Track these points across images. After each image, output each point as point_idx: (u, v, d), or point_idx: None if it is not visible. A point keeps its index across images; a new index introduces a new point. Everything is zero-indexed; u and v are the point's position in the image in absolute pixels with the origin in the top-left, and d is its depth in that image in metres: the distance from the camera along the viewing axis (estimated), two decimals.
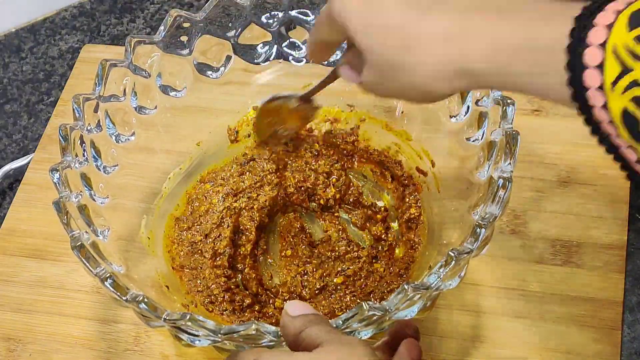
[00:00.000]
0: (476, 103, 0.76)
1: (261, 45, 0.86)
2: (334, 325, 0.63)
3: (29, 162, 0.93)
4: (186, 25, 0.82)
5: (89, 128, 0.76)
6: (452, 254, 0.65)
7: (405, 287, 0.64)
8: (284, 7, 0.84)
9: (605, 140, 0.53)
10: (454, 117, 0.79)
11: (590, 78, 0.51)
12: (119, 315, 0.82)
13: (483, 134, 0.75)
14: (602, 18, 0.51)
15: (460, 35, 0.57)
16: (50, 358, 0.80)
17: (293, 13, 0.85)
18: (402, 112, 0.85)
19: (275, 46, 0.86)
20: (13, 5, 1.04)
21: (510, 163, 0.70)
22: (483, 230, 0.66)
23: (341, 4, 0.63)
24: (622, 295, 0.80)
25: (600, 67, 0.50)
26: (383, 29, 0.61)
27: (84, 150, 0.75)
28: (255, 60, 0.86)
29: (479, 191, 0.73)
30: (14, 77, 1.01)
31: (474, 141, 0.76)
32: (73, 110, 0.76)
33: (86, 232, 0.71)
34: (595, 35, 0.51)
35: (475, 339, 0.78)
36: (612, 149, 0.54)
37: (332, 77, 0.75)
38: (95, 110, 0.77)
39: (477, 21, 0.57)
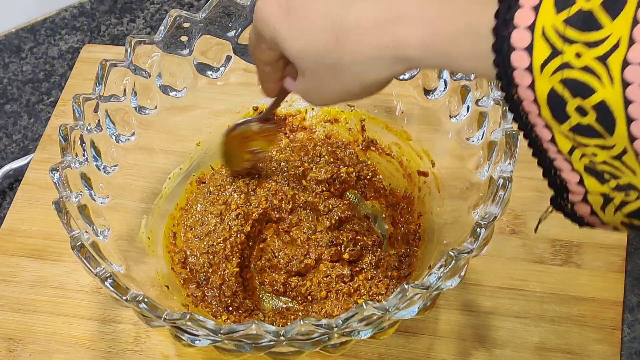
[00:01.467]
0: (476, 103, 0.76)
1: None
2: (334, 325, 0.63)
3: (29, 162, 0.93)
4: (186, 25, 0.82)
5: (89, 128, 0.76)
6: (452, 254, 0.65)
7: (405, 286, 0.64)
8: None
9: (520, 118, 0.53)
10: (454, 117, 0.79)
11: (518, 59, 0.51)
12: (119, 315, 0.82)
13: (483, 134, 0.75)
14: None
15: (392, 22, 0.56)
16: (50, 358, 0.80)
17: None
18: (402, 112, 0.85)
19: None
20: (13, 5, 1.04)
21: (510, 163, 0.70)
22: (483, 230, 0.66)
23: (262, 15, 0.61)
24: (622, 295, 0.80)
25: (529, 49, 0.50)
26: (309, 30, 0.59)
27: (84, 150, 0.75)
28: None
29: (479, 191, 0.73)
30: (14, 77, 1.02)
31: (474, 141, 0.76)
32: (73, 110, 0.76)
33: (86, 232, 0.71)
34: (522, 17, 0.50)
35: (475, 339, 0.78)
36: (525, 127, 0.54)
37: (283, 92, 0.72)
38: (95, 110, 0.77)
39: (409, 6, 0.56)
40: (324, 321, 0.64)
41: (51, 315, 0.83)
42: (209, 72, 0.85)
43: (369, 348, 0.78)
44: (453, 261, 0.65)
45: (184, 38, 0.83)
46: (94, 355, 0.80)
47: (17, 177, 0.93)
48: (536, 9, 0.50)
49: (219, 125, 0.87)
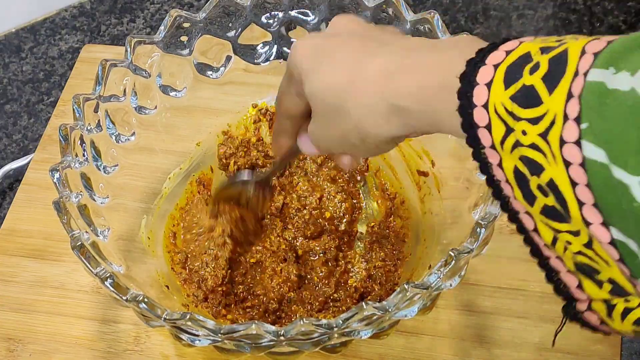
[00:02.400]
0: None
1: (261, 45, 0.86)
2: (334, 325, 0.63)
3: (29, 162, 0.93)
4: (186, 25, 0.82)
5: (89, 128, 0.76)
6: (452, 254, 0.65)
7: (405, 286, 0.64)
8: (284, 7, 0.84)
9: (506, 206, 0.51)
10: None
11: (483, 137, 0.50)
12: (119, 315, 0.82)
13: None
14: (483, 74, 0.50)
15: (395, 73, 0.56)
16: (50, 358, 0.80)
17: (293, 13, 0.85)
18: None
19: (275, 46, 0.86)
20: (13, 5, 1.04)
21: None
22: (483, 230, 0.66)
23: (295, 54, 0.62)
24: None
25: (488, 127, 0.49)
26: (328, 70, 0.59)
27: (84, 150, 0.75)
28: (255, 60, 0.86)
29: (479, 191, 0.73)
30: (14, 77, 1.02)
31: None
32: (73, 110, 0.76)
33: (86, 232, 0.71)
34: (478, 95, 0.50)
35: (475, 339, 0.78)
36: (514, 218, 0.52)
37: (291, 154, 0.71)
38: (95, 110, 0.77)
39: (414, 59, 0.55)
40: (324, 321, 0.64)
41: (51, 315, 0.83)
42: (209, 72, 0.85)
43: (369, 348, 0.78)
44: (453, 261, 0.65)
45: (184, 38, 0.83)
46: (94, 355, 0.80)
47: (17, 177, 0.93)
48: (488, 86, 0.49)
49: (219, 125, 0.87)
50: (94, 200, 0.74)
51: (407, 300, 0.64)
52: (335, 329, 0.64)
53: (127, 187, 0.80)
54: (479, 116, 0.50)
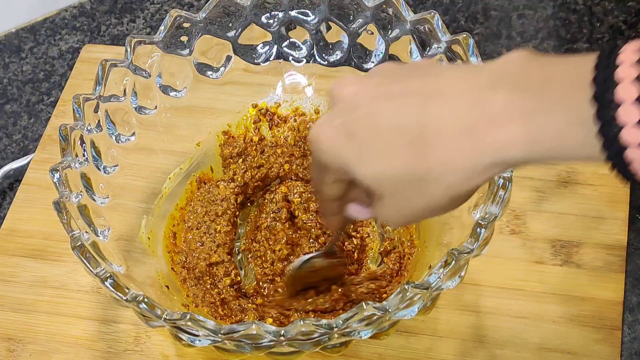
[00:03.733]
0: None
1: (261, 45, 0.86)
2: (334, 326, 0.63)
3: (29, 162, 0.93)
4: (186, 25, 0.82)
5: (89, 128, 0.76)
6: (452, 254, 0.65)
7: (405, 287, 0.64)
8: (284, 7, 0.84)
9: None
10: None
11: (634, 158, 0.47)
12: (119, 315, 0.82)
13: None
14: (624, 93, 0.47)
15: (485, 124, 0.51)
16: (50, 358, 0.80)
17: (293, 13, 0.85)
18: None
19: (275, 46, 0.86)
20: (13, 5, 1.04)
21: None
22: (483, 230, 0.66)
23: (322, 146, 0.56)
24: (622, 295, 0.80)
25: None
26: (382, 150, 0.54)
27: (84, 150, 0.75)
28: (255, 60, 0.86)
29: (479, 191, 0.73)
30: (14, 77, 1.02)
31: None
32: (73, 110, 0.76)
33: (86, 232, 0.71)
34: (626, 114, 0.47)
35: (475, 339, 0.79)
36: None
37: (344, 222, 0.69)
38: (95, 110, 0.77)
39: (498, 102, 0.51)
40: (324, 321, 0.64)
41: (51, 315, 0.83)
42: (209, 72, 0.85)
43: (369, 348, 0.78)
44: (453, 261, 0.65)
45: (184, 38, 0.83)
46: (94, 355, 0.80)
47: (17, 177, 0.93)
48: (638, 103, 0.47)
49: (219, 125, 0.87)
50: (94, 200, 0.74)
51: (407, 300, 0.64)
52: (335, 329, 0.64)
53: (127, 187, 0.80)
54: (629, 135, 0.47)
